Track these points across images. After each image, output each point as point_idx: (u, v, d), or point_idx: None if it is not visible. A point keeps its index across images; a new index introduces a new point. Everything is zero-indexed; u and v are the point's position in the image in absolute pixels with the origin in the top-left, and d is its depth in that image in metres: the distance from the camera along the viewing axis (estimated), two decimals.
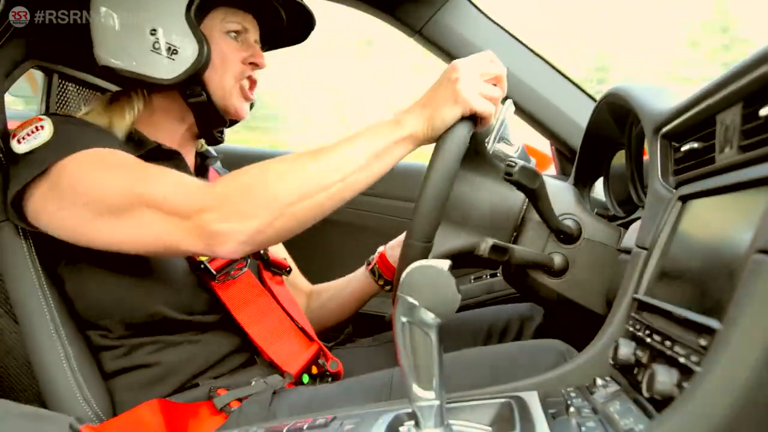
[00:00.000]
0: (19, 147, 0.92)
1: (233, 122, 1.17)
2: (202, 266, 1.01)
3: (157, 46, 1.03)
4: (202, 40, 1.02)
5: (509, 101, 1.00)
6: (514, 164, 0.89)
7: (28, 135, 0.93)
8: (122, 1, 1.06)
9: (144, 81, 1.05)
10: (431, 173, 0.85)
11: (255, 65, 1.12)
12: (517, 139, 1.03)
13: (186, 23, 1.02)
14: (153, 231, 0.88)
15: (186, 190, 0.88)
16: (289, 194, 0.86)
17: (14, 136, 0.94)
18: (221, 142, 1.20)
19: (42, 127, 0.93)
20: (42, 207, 0.91)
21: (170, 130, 1.13)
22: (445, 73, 0.91)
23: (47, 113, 0.98)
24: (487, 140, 1.01)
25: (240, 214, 0.84)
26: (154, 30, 1.03)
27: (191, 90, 1.07)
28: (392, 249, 1.27)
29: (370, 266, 1.28)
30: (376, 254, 1.29)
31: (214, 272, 1.03)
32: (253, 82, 1.14)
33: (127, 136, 1.07)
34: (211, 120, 1.13)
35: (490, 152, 1.02)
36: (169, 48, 1.03)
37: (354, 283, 1.32)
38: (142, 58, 1.04)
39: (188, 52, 1.03)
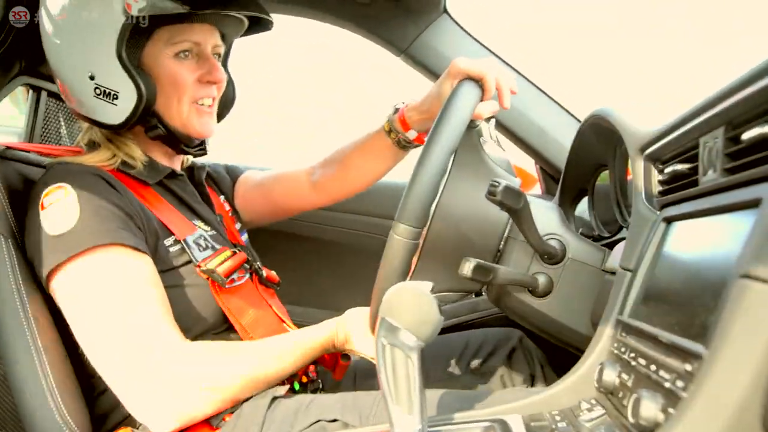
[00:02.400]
0: (48, 227, 0.91)
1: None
2: (214, 273, 1.01)
3: (98, 91, 0.99)
4: (138, 80, 0.97)
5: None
6: (497, 184, 0.88)
7: (56, 213, 0.91)
8: (61, 49, 1.01)
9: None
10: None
11: (212, 83, 1.07)
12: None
13: (119, 64, 0.96)
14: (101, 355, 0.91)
15: (151, 346, 0.89)
16: (232, 392, 0.92)
17: (43, 208, 0.93)
18: (205, 153, 1.18)
19: (68, 206, 0.91)
20: (58, 292, 0.93)
21: (160, 154, 1.13)
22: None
23: (68, 180, 0.95)
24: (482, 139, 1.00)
25: (182, 403, 0.89)
26: (92, 75, 0.98)
27: (148, 123, 1.04)
28: (412, 111, 1.13)
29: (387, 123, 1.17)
30: (396, 112, 1.17)
31: (224, 278, 1.02)
32: (213, 98, 1.09)
33: (144, 164, 1.06)
34: (178, 145, 1.11)
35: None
36: (109, 93, 0.98)
37: (365, 141, 1.22)
38: (90, 105, 1.01)
39: (128, 94, 0.98)
